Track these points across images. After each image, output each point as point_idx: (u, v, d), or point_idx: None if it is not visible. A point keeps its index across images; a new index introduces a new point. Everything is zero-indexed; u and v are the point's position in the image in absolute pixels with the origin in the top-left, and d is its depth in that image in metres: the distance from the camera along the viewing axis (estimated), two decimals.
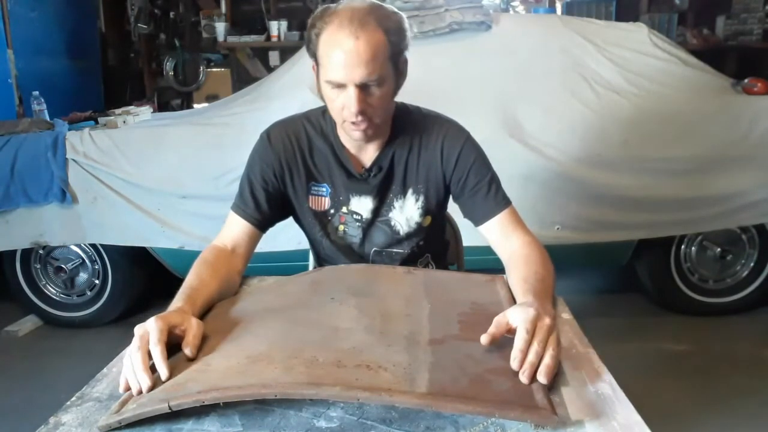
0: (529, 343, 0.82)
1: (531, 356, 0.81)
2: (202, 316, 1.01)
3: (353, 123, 1.14)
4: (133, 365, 0.82)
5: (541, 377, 0.79)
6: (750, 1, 4.50)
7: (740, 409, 2.09)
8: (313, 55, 1.15)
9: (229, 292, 1.15)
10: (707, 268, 2.77)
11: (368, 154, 1.26)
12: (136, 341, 0.85)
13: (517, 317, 0.87)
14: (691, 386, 2.24)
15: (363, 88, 1.10)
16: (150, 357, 0.84)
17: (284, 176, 1.27)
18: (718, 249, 2.72)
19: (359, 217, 1.28)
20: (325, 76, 1.12)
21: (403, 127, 1.26)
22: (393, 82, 1.15)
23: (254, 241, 1.25)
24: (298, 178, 1.27)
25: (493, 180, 1.24)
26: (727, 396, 2.17)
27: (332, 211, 1.29)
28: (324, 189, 1.28)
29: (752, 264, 2.76)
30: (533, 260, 1.11)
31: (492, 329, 0.86)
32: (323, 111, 1.28)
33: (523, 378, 0.79)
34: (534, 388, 0.77)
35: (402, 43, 1.14)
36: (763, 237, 2.73)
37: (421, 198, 1.28)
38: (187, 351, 0.86)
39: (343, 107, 1.12)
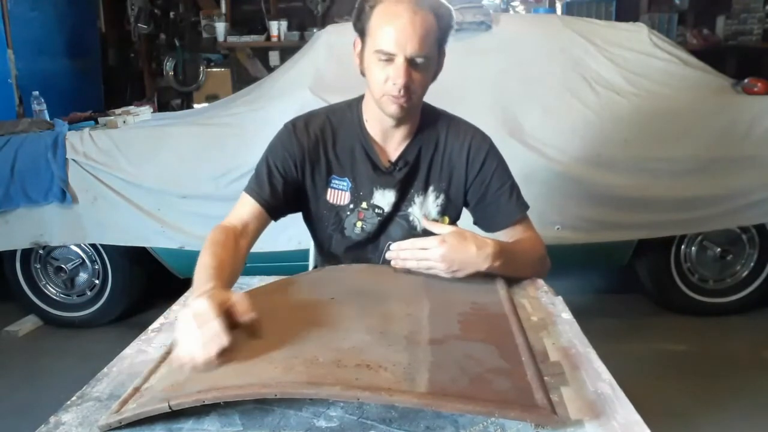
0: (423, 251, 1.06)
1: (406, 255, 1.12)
2: None
3: (394, 96, 1.15)
4: (204, 335, 0.81)
5: (391, 254, 1.13)
6: (750, 1, 4.50)
7: (740, 409, 2.09)
8: (361, 28, 1.18)
9: (238, 272, 1.14)
10: (707, 268, 2.77)
11: (395, 147, 1.28)
12: (191, 321, 0.83)
13: (450, 230, 1.12)
14: (690, 386, 2.24)
15: (411, 63, 1.13)
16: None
17: (305, 168, 1.27)
18: (718, 249, 2.72)
19: (381, 211, 1.29)
20: (375, 46, 1.14)
21: (430, 124, 1.29)
22: (435, 67, 1.19)
23: (263, 224, 1.24)
24: (318, 171, 1.28)
25: (514, 186, 1.29)
26: (727, 396, 2.17)
27: (351, 206, 1.29)
28: (345, 183, 1.28)
29: (752, 264, 2.76)
30: (528, 244, 1.24)
31: (427, 226, 1.21)
32: (349, 104, 1.30)
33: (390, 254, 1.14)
34: (534, 387, 0.77)
35: (447, 34, 1.18)
36: (763, 237, 2.73)
37: (441, 196, 1.30)
38: (248, 317, 0.86)
39: (387, 79, 1.14)
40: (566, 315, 1.08)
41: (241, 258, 1.16)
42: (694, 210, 2.53)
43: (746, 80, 2.68)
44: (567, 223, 2.48)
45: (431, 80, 1.20)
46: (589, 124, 2.50)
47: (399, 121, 1.23)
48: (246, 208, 1.23)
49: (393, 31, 1.11)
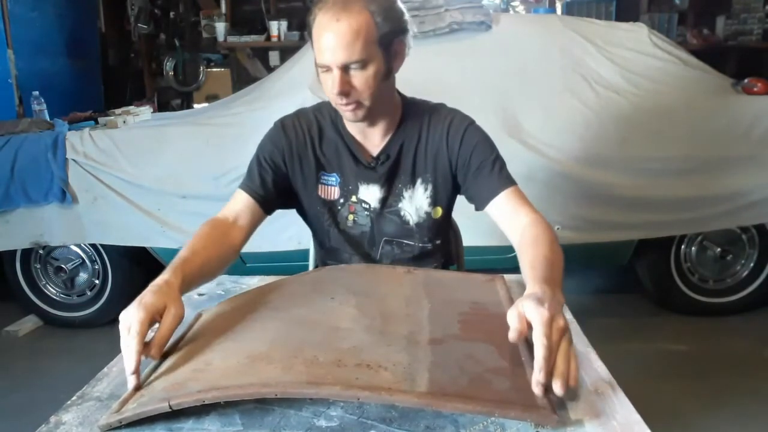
0: (550, 350, 0.78)
1: (561, 366, 0.78)
2: (193, 287, 1.06)
3: (340, 104, 1.17)
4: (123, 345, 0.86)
5: (572, 382, 0.78)
6: (750, 1, 4.51)
7: (740, 409, 2.09)
8: (311, 42, 1.18)
9: (223, 262, 1.16)
10: (707, 268, 2.77)
11: (376, 142, 1.28)
12: (121, 322, 0.88)
13: (533, 317, 0.81)
14: (690, 386, 2.24)
15: (345, 69, 1.13)
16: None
17: (293, 163, 1.29)
18: (718, 249, 2.72)
19: (368, 206, 1.30)
20: (316, 59, 1.16)
21: (412, 118, 1.28)
22: (381, 65, 1.16)
23: (256, 217, 1.26)
24: (307, 168, 1.30)
25: (497, 159, 1.24)
26: (727, 396, 2.17)
27: (342, 200, 1.31)
28: (333, 178, 1.30)
29: (752, 264, 2.76)
30: (541, 242, 1.09)
31: (516, 325, 0.81)
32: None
33: (557, 388, 0.76)
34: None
35: (392, 26, 1.15)
36: (763, 237, 2.73)
37: (430, 187, 1.29)
38: (152, 352, 0.87)
39: (332, 89, 1.15)
40: (566, 315, 1.08)
41: (228, 247, 1.19)
42: (694, 210, 2.53)
43: (746, 80, 2.68)
44: (567, 223, 2.48)
45: (385, 75, 1.17)
46: (589, 124, 2.50)
47: (369, 122, 1.23)
48: (238, 200, 1.27)
49: (322, 43, 1.11)
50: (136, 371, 0.83)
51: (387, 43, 1.15)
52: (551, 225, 1.16)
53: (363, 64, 1.12)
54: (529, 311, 0.82)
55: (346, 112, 1.19)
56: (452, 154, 1.26)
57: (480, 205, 1.24)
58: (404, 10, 1.19)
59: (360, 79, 1.14)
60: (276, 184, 1.28)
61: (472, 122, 1.28)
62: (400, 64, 1.22)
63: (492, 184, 1.22)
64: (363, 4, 1.11)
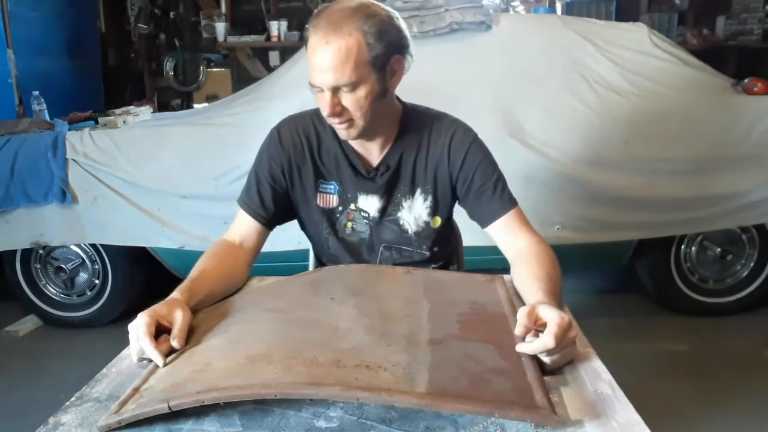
0: (555, 348, 0.84)
1: (558, 359, 0.86)
2: (203, 306, 1.05)
3: (333, 123, 1.17)
4: (132, 347, 0.92)
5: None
6: (750, 1, 4.51)
7: (740, 409, 2.09)
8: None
9: (233, 284, 1.17)
10: (707, 268, 2.77)
11: (375, 154, 1.26)
12: (130, 337, 0.92)
13: (549, 315, 0.86)
14: (691, 386, 2.24)
15: (336, 91, 1.11)
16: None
17: (292, 174, 1.28)
18: (718, 249, 2.72)
19: (367, 215, 1.29)
20: (309, 79, 1.14)
21: (412, 128, 1.26)
22: (374, 85, 1.13)
23: (261, 236, 1.28)
24: (306, 176, 1.28)
25: (499, 180, 1.24)
26: (727, 396, 2.17)
27: (340, 208, 1.30)
28: (332, 187, 1.29)
29: (752, 264, 2.76)
30: (544, 260, 1.11)
31: (525, 321, 0.86)
32: None
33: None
34: (534, 387, 0.77)
35: (388, 45, 1.12)
36: (763, 237, 2.73)
37: (429, 198, 1.28)
38: (174, 343, 0.90)
39: (323, 110, 1.15)
40: (566, 315, 1.08)
41: (240, 266, 1.21)
42: (694, 210, 2.53)
43: (746, 80, 2.68)
44: (567, 223, 2.48)
45: (377, 97, 1.14)
46: (589, 124, 2.50)
47: (365, 138, 1.22)
48: (241, 222, 1.27)
49: (313, 63, 1.10)
50: (164, 358, 0.88)
51: (381, 63, 1.12)
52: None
53: (353, 86, 1.10)
54: (546, 312, 0.87)
55: (340, 131, 1.18)
56: (453, 169, 1.25)
57: (480, 225, 1.26)
58: (403, 27, 1.16)
59: (351, 100, 1.12)
60: (276, 201, 1.27)
61: (475, 138, 1.26)
62: (397, 82, 1.19)
63: (493, 207, 1.23)
64: (355, 24, 1.08)
